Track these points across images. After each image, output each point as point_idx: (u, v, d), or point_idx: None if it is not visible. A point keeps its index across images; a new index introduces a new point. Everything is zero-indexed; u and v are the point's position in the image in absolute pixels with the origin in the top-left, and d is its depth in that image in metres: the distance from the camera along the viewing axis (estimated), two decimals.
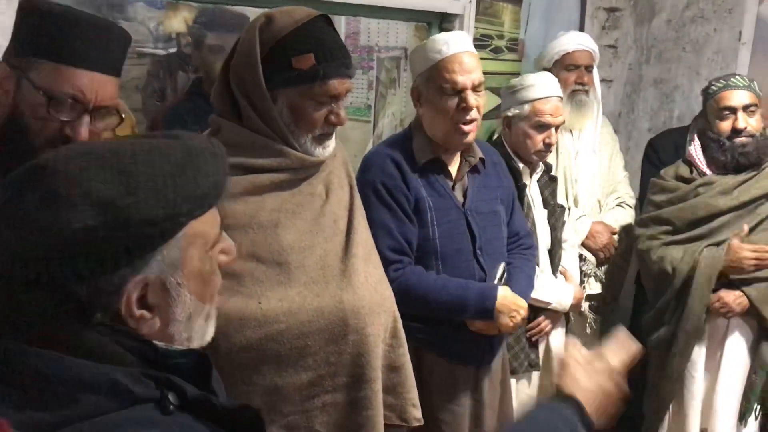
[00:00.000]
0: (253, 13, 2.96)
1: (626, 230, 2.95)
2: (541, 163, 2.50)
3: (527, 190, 2.44)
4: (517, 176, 2.40)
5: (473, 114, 1.98)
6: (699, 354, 2.58)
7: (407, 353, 1.70)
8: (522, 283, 2.11)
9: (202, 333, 0.93)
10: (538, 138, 2.39)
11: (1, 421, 0.73)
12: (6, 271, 0.78)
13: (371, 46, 3.85)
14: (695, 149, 2.65)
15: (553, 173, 2.59)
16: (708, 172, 2.61)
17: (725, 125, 2.56)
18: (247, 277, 1.48)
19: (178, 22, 3.03)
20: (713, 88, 2.62)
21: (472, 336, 2.02)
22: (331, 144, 1.61)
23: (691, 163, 2.66)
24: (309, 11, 1.54)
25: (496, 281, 2.06)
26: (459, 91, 1.96)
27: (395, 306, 1.69)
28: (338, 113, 1.55)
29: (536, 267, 2.36)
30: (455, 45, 1.98)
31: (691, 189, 2.60)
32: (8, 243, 0.78)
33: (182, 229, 0.84)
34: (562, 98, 2.47)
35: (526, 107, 2.40)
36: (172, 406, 0.81)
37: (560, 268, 2.57)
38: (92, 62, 1.27)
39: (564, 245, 2.59)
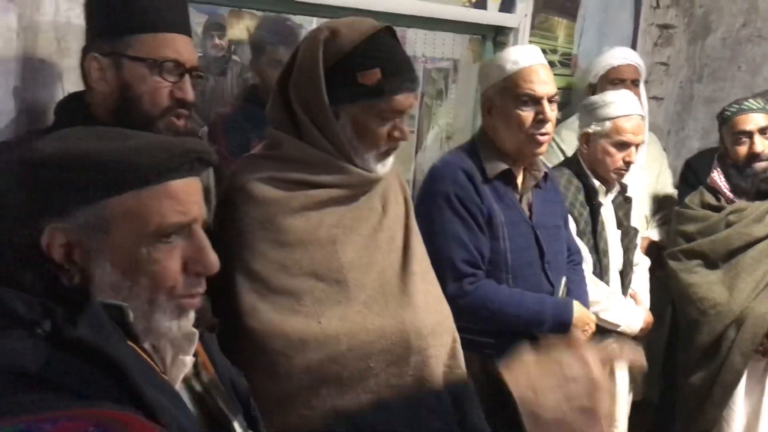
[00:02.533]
0: (306, 20, 2.98)
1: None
2: (617, 183, 2.45)
3: (602, 209, 2.39)
4: (592, 194, 2.36)
5: (548, 127, 1.96)
6: (738, 392, 2.50)
7: (465, 373, 1.65)
8: (584, 297, 2.10)
9: (146, 318, 0.91)
10: (618, 156, 2.34)
11: None
12: None
13: (417, 57, 3.84)
14: (718, 176, 2.60)
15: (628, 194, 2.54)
16: (734, 199, 2.55)
17: (742, 150, 2.52)
18: (307, 296, 1.44)
19: (240, 30, 3.06)
20: (727, 112, 2.58)
21: None
22: (391, 160, 1.57)
23: (715, 190, 2.61)
24: (374, 23, 1.50)
25: (560, 295, 2.05)
26: (536, 102, 1.95)
27: (454, 325, 1.65)
28: (402, 129, 1.51)
29: (603, 285, 2.34)
30: (531, 57, 1.99)
31: (721, 218, 2.54)
32: None
33: (109, 199, 0.87)
34: (643, 116, 2.43)
35: (608, 124, 2.34)
36: (40, 331, 0.80)
37: (630, 290, 2.52)
38: (178, 26, 1.37)
39: (635, 268, 2.54)
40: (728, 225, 2.53)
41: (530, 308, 1.93)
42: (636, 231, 2.55)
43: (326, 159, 1.49)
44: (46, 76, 1.62)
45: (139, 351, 0.90)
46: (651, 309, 2.88)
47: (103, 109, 1.37)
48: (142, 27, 1.33)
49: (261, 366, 1.37)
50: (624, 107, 2.36)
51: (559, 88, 3.03)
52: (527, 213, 2.05)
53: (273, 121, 1.55)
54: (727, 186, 2.58)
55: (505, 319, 1.91)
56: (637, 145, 2.36)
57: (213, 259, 0.95)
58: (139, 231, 0.89)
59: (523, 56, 1.98)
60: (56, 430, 0.68)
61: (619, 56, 2.87)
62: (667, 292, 2.99)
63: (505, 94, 1.98)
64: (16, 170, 0.88)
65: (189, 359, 0.98)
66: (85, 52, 1.38)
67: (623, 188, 2.50)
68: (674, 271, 2.60)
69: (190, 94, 1.38)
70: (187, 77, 1.38)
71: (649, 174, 2.98)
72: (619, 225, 2.46)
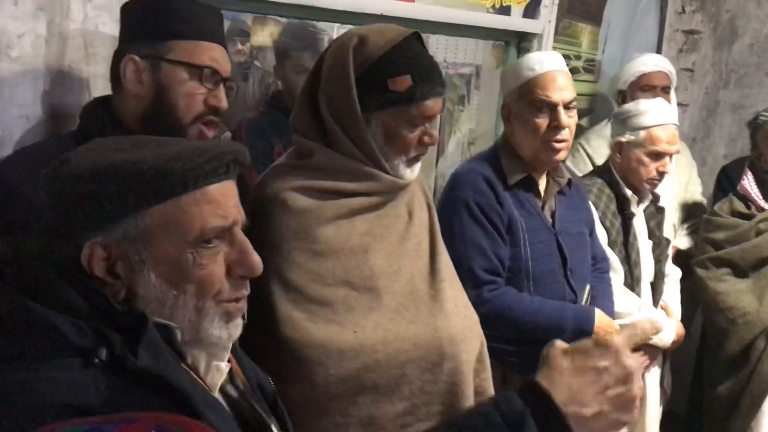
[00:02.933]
0: (329, 26, 2.98)
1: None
2: (649, 193, 2.42)
3: (634, 219, 2.36)
4: (624, 204, 2.33)
5: (565, 134, 1.95)
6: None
7: (490, 377, 1.65)
8: (608, 306, 2.07)
9: (194, 327, 0.90)
10: (652, 166, 2.30)
11: None
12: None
13: (439, 63, 3.83)
14: (749, 183, 2.56)
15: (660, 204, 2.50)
16: (766, 206, 2.51)
17: None
18: (340, 305, 1.44)
19: (264, 36, 3.07)
20: (761, 119, 2.54)
21: None
22: (419, 166, 1.56)
23: (746, 198, 2.57)
24: (402, 30, 1.49)
25: (583, 303, 2.02)
26: (551, 109, 1.93)
27: (481, 330, 1.64)
28: (431, 134, 1.50)
29: (634, 296, 2.31)
30: (549, 63, 1.97)
31: (752, 226, 2.50)
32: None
33: (149, 208, 0.86)
34: (677, 125, 2.39)
35: (642, 134, 2.31)
36: (97, 360, 0.79)
37: (661, 302, 2.48)
38: (217, 36, 1.41)
39: (666, 279, 2.51)
40: (758, 233, 2.49)
41: (550, 316, 1.91)
42: (668, 241, 2.51)
43: (357, 167, 1.49)
44: (74, 81, 1.63)
45: (186, 368, 0.90)
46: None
47: (132, 113, 1.38)
48: (184, 33, 1.36)
49: (297, 375, 1.38)
50: (659, 116, 2.32)
51: (583, 95, 3.04)
52: (549, 220, 2.02)
53: (299, 129, 1.54)
54: (759, 193, 2.54)
55: (525, 326, 1.89)
56: (671, 155, 2.33)
57: (256, 261, 0.94)
58: (181, 238, 0.88)
59: (541, 63, 1.97)
60: (119, 431, 0.67)
61: (650, 63, 2.85)
62: (694, 302, 2.95)
63: (522, 100, 1.97)
64: (52, 185, 0.87)
65: (224, 366, 0.97)
66: (120, 54, 1.39)
67: (656, 198, 2.47)
68: (702, 280, 2.56)
69: (224, 102, 1.41)
70: (221, 86, 1.41)
71: (678, 182, 2.95)
72: (651, 235, 2.43)
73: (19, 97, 1.52)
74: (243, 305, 0.96)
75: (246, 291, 0.96)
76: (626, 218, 2.32)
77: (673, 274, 2.59)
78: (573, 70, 3.07)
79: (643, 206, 2.42)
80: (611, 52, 3.23)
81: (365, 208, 1.51)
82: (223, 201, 0.91)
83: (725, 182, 3.00)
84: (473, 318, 1.61)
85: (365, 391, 1.42)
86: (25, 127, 1.55)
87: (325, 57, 1.52)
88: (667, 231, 2.84)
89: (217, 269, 0.91)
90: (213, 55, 1.39)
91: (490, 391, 1.65)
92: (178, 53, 1.36)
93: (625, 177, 2.36)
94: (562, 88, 1.94)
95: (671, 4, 3.53)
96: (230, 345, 0.97)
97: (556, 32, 2.89)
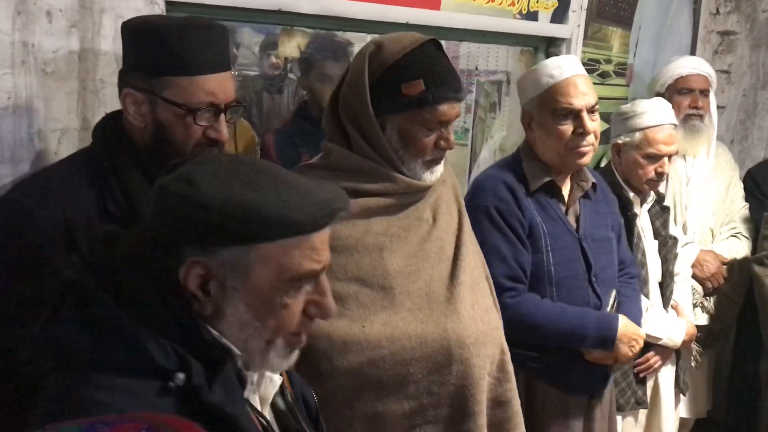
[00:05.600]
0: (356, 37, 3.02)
1: (740, 262, 2.79)
2: (652, 192, 2.41)
3: (637, 220, 2.35)
4: (627, 205, 2.32)
5: (590, 139, 1.94)
6: None
7: (515, 388, 1.64)
8: (635, 312, 2.05)
9: (262, 357, 0.95)
10: (650, 168, 2.31)
11: None
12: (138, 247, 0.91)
13: (471, 70, 3.83)
14: None
15: (665, 203, 2.49)
16: None
17: None
18: (352, 300, 1.48)
19: (292, 47, 3.13)
20: None
21: (587, 365, 1.97)
22: (439, 169, 1.59)
23: None
24: (418, 36, 1.54)
25: (608, 309, 2.00)
26: (575, 115, 1.93)
27: (503, 337, 1.64)
28: (447, 138, 1.54)
29: (642, 297, 2.27)
30: (568, 69, 1.96)
31: None
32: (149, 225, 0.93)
33: (258, 245, 0.90)
34: (676, 125, 2.38)
35: (638, 135, 2.32)
36: (172, 385, 0.84)
37: (671, 302, 2.46)
38: (215, 65, 1.36)
39: (676, 278, 2.48)
40: None
41: (571, 322, 1.90)
42: (675, 240, 2.49)
43: (374, 168, 1.53)
44: (107, 96, 1.69)
45: (247, 400, 0.95)
46: (714, 323, 2.80)
47: (139, 136, 1.39)
48: (177, 70, 1.32)
49: (304, 365, 1.40)
50: (655, 118, 2.32)
51: (615, 98, 3.01)
52: (574, 224, 2.01)
53: (327, 133, 1.61)
54: None
55: (545, 333, 1.89)
56: (670, 156, 2.31)
57: (333, 307, 0.99)
58: (276, 277, 0.92)
59: (559, 69, 1.96)
60: (112, 430, 0.70)
61: (688, 65, 2.83)
62: (732, 307, 2.89)
63: (543, 108, 1.96)
64: (171, 201, 0.90)
65: (277, 378, 1.02)
66: (121, 84, 1.38)
67: (660, 197, 2.46)
68: (759, 277, 2.54)
69: (223, 134, 1.38)
70: (222, 117, 1.38)
71: (717, 186, 2.89)
72: (657, 235, 2.42)
73: (54, 110, 1.58)
74: (305, 338, 1.00)
75: (312, 328, 1.01)
76: (629, 219, 2.31)
77: (683, 272, 2.57)
78: (603, 74, 3.05)
79: (647, 206, 2.41)
80: (643, 55, 3.20)
81: (382, 209, 1.55)
82: (321, 247, 0.96)
83: (752, 187, 2.95)
84: (493, 324, 1.61)
85: (370, 386, 1.46)
86: (61, 139, 1.61)
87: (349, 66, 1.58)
88: (702, 234, 2.81)
89: (297, 309, 0.96)
90: (210, 88, 1.34)
91: (515, 401, 1.65)
92: (172, 92, 1.32)
93: (625, 178, 2.37)
94: (585, 93, 1.93)
95: (705, 5, 3.47)
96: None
97: (586, 36, 2.87)
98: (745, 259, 2.76)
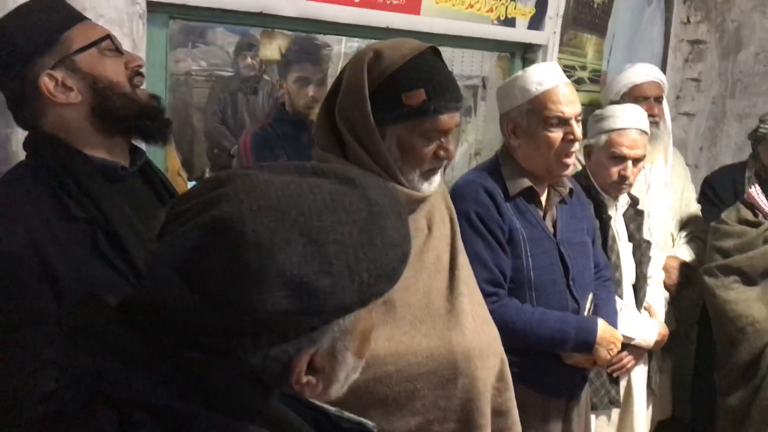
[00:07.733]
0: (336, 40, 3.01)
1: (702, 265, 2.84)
2: (627, 196, 2.44)
3: (612, 222, 2.39)
4: (601, 208, 2.35)
5: (576, 146, 1.96)
6: None
7: (514, 397, 1.63)
8: (611, 314, 2.08)
9: (344, 383, 0.89)
10: (613, 170, 2.33)
11: None
12: (179, 335, 0.74)
13: None
14: (756, 191, 2.55)
15: (640, 207, 2.53)
16: None
17: None
18: None
19: (272, 50, 3.11)
20: (761, 130, 2.59)
21: (566, 368, 1.99)
22: (437, 179, 1.56)
23: (753, 206, 2.55)
24: (418, 44, 1.50)
25: (585, 312, 2.03)
26: (565, 123, 1.94)
27: (502, 347, 1.63)
28: (447, 148, 1.50)
29: (617, 300, 2.31)
30: (555, 77, 1.97)
31: (759, 234, 2.49)
32: (187, 307, 0.72)
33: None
34: (645, 131, 2.41)
35: (603, 137, 2.35)
36: None
37: (645, 303, 2.50)
38: (80, 16, 1.40)
39: (649, 281, 2.53)
40: (766, 241, 2.48)
41: (552, 327, 1.91)
42: (649, 244, 2.52)
43: None
44: None
45: None
46: (679, 326, 2.85)
47: (77, 123, 1.34)
48: (68, 23, 1.34)
49: None
50: (621, 121, 2.34)
51: (589, 105, 3.05)
52: (551, 230, 2.02)
53: (319, 142, 1.55)
54: (766, 201, 2.54)
55: (527, 339, 1.89)
56: (635, 160, 2.33)
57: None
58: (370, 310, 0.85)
59: (546, 76, 1.96)
60: None
61: (642, 73, 2.84)
62: (694, 310, 2.94)
63: (532, 116, 1.96)
64: (281, 308, 0.73)
65: None
66: (25, 82, 1.31)
67: (634, 201, 2.50)
68: (710, 288, 2.54)
69: (137, 60, 1.41)
70: (116, 40, 1.41)
71: (674, 191, 2.94)
72: (631, 238, 2.45)
73: None
74: None
75: None
76: (604, 222, 2.34)
77: (656, 275, 2.61)
78: (578, 81, 3.09)
79: (621, 209, 2.45)
80: (617, 62, 3.25)
81: None
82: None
83: (709, 193, 3.00)
84: (492, 334, 1.60)
85: (376, 404, 1.42)
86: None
87: (343, 72, 1.53)
88: (665, 241, 2.86)
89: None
90: (96, 29, 1.39)
91: (514, 411, 1.63)
92: (77, 41, 1.33)
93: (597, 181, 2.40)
94: (573, 101, 1.96)
95: (676, 14, 3.54)
96: None
97: (561, 43, 2.91)
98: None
